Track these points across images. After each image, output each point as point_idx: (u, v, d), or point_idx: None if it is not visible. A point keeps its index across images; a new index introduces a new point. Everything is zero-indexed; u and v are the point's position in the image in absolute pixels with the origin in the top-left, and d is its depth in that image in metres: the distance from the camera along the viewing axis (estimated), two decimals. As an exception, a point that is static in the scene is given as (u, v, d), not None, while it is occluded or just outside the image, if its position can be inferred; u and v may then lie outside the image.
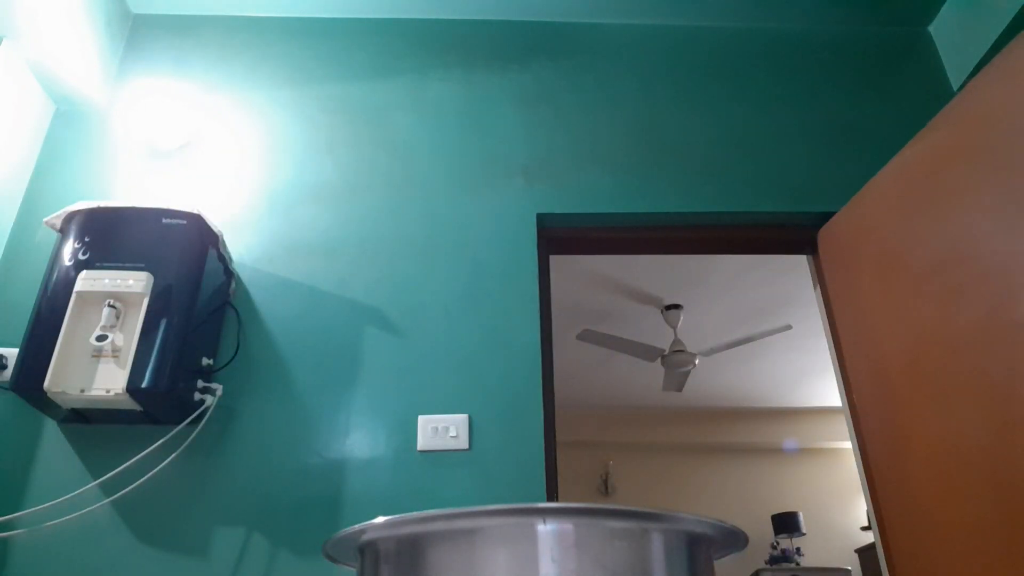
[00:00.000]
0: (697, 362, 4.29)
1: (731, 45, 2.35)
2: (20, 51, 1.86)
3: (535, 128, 2.14)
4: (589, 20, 2.36)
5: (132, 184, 1.98)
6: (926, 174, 1.65)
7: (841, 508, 5.67)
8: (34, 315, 1.54)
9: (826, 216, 2.03)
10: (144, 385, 1.47)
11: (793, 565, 5.38)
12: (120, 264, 1.58)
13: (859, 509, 5.58)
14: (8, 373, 1.63)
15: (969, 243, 1.50)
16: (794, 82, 2.29)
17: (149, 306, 1.55)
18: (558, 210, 2.01)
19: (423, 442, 1.68)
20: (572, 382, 5.05)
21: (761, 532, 5.47)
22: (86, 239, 1.61)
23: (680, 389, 4.71)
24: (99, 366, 1.50)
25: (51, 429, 1.66)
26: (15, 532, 1.52)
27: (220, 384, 1.67)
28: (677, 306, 4.19)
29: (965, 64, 2.21)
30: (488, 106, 2.17)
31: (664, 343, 4.30)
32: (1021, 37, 1.43)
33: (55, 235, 1.68)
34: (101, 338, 1.50)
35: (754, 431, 5.82)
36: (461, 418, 1.71)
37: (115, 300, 1.54)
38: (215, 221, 1.76)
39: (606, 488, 5.71)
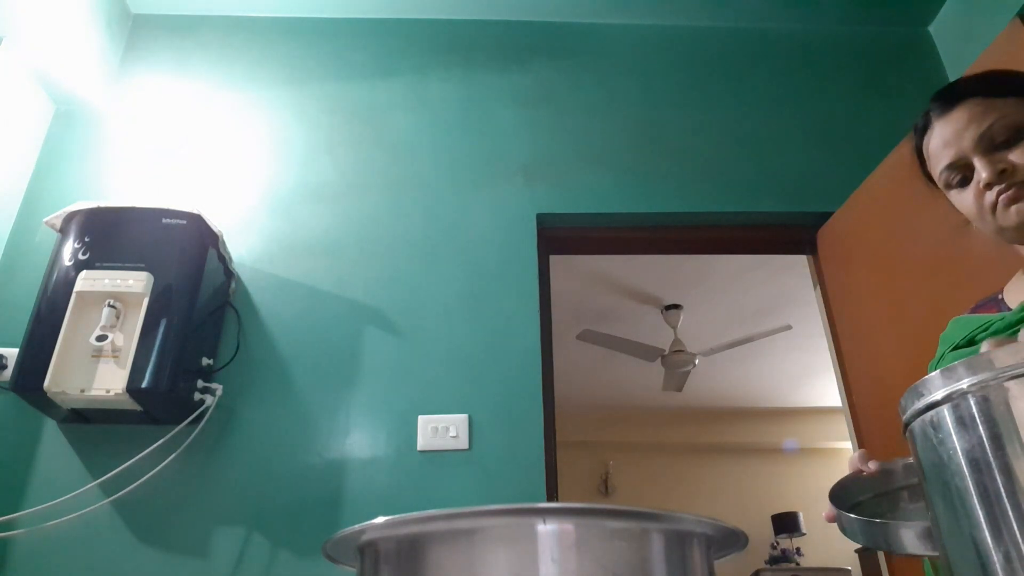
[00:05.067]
0: (697, 362, 4.29)
1: (731, 45, 2.35)
2: (20, 51, 1.86)
3: (535, 128, 2.14)
4: (589, 20, 2.36)
5: (132, 184, 1.98)
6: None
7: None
8: (34, 315, 1.54)
9: (826, 216, 2.03)
10: (144, 385, 1.47)
11: (793, 565, 5.38)
12: (120, 264, 1.58)
13: (859, 509, 5.57)
14: (8, 373, 1.63)
15: (960, 241, 1.50)
16: (794, 82, 2.29)
17: (149, 306, 1.55)
18: (558, 210, 2.01)
19: (423, 442, 1.68)
20: (572, 382, 5.05)
21: (761, 532, 5.47)
22: (86, 239, 1.61)
23: (680, 389, 4.71)
24: (99, 366, 1.50)
25: (51, 429, 1.66)
26: (15, 532, 1.52)
27: (220, 384, 1.67)
28: (677, 306, 4.18)
29: (965, 64, 2.21)
30: (488, 106, 2.17)
31: (664, 343, 4.29)
32: (1004, 34, 1.43)
33: (55, 235, 1.68)
34: (101, 338, 1.50)
35: (754, 431, 5.81)
36: (461, 418, 1.71)
37: (115, 300, 1.54)
38: (215, 221, 1.76)
39: (606, 488, 5.71)
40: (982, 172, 0.83)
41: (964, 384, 0.45)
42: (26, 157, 1.94)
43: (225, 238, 1.80)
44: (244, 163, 2.04)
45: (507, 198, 2.01)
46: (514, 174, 2.05)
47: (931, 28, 2.40)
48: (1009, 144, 0.82)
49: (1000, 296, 0.93)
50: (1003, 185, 0.82)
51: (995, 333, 0.82)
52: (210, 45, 2.24)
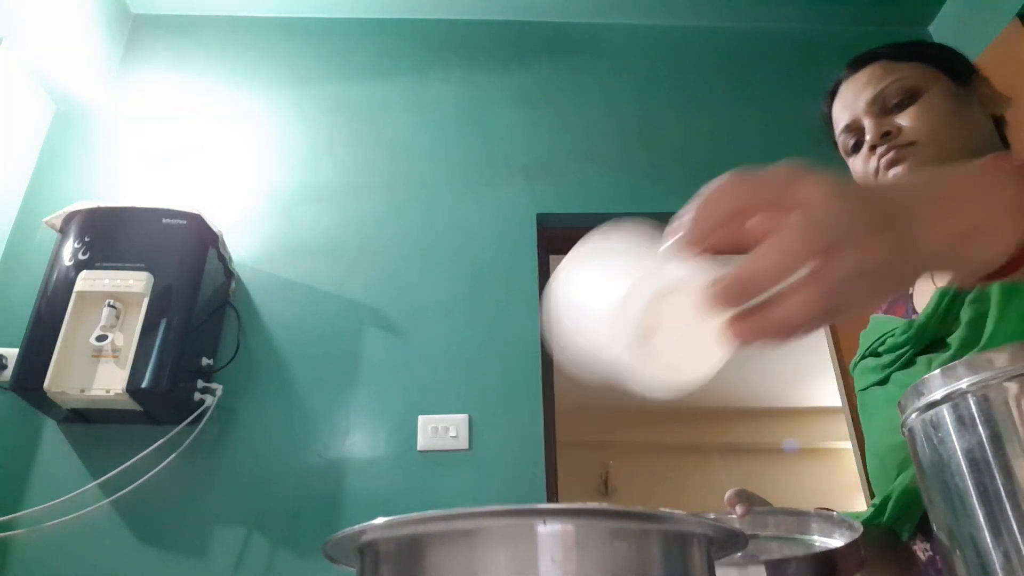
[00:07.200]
0: (697, 362, 4.28)
1: (731, 45, 2.35)
2: (20, 52, 1.86)
3: (535, 128, 2.14)
4: (589, 20, 2.36)
5: (132, 184, 1.97)
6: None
7: (841, 508, 5.64)
8: (34, 315, 1.55)
9: (826, 216, 2.03)
10: (144, 385, 1.47)
11: (793, 565, 5.38)
12: (120, 264, 1.58)
13: (859, 509, 5.58)
14: (8, 373, 1.63)
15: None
16: (794, 82, 2.28)
17: (149, 306, 1.55)
18: (558, 210, 2.01)
19: (423, 442, 1.68)
20: (572, 382, 5.04)
21: (761, 532, 5.46)
22: (86, 239, 1.61)
23: (680, 389, 4.70)
24: (99, 366, 1.50)
25: (51, 429, 1.66)
26: (15, 532, 1.52)
27: (220, 384, 1.67)
28: (677, 306, 4.18)
29: (965, 64, 2.21)
30: (488, 106, 2.17)
31: (664, 343, 4.29)
32: (1004, 34, 1.43)
33: (55, 235, 1.68)
34: (101, 338, 1.50)
35: (754, 431, 5.82)
36: (461, 418, 1.71)
37: (115, 300, 1.54)
38: (215, 221, 1.76)
39: (606, 488, 5.71)
40: (867, 133, 0.79)
41: (964, 384, 0.45)
42: (26, 157, 1.94)
43: (225, 238, 1.80)
44: (244, 163, 2.04)
45: (507, 198, 2.01)
46: (514, 174, 2.05)
47: (931, 28, 2.40)
48: (901, 106, 0.79)
49: (911, 291, 0.87)
50: (884, 147, 0.78)
51: (889, 351, 0.78)
52: (210, 45, 2.24)
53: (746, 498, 0.78)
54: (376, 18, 2.32)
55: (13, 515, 1.52)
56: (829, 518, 0.75)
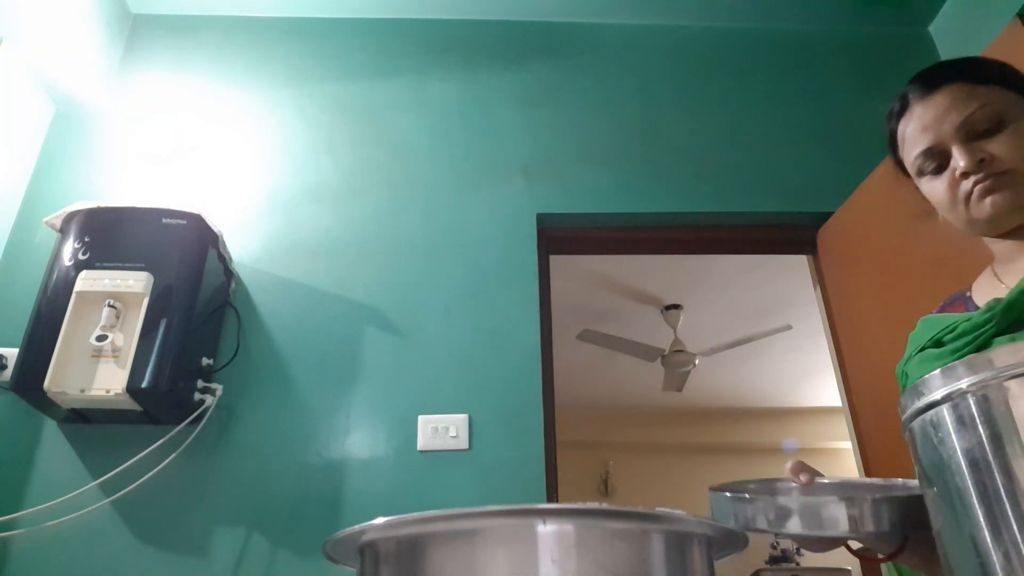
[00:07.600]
0: (697, 362, 4.29)
1: (731, 45, 2.35)
2: (20, 52, 1.86)
3: (535, 128, 2.14)
4: (589, 20, 2.36)
5: (132, 184, 1.97)
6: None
7: (841, 508, 5.66)
8: (34, 315, 1.54)
9: (826, 216, 2.03)
10: (144, 385, 1.47)
11: (793, 565, 5.38)
12: (120, 264, 1.58)
13: (859, 509, 5.56)
14: (8, 373, 1.63)
15: (963, 240, 1.49)
16: (794, 82, 2.29)
17: (149, 306, 1.55)
18: (558, 210, 2.01)
19: (423, 442, 1.68)
20: (572, 382, 5.04)
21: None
22: (86, 239, 1.61)
23: (680, 389, 4.71)
24: (99, 366, 1.50)
25: (51, 429, 1.66)
26: (15, 532, 1.52)
27: (220, 384, 1.67)
28: (677, 306, 4.18)
29: (965, 64, 2.21)
30: (488, 106, 2.17)
31: (664, 343, 4.29)
32: (1004, 34, 1.43)
33: (55, 235, 1.68)
34: (101, 338, 1.50)
35: (754, 431, 5.81)
36: (461, 418, 1.71)
37: (115, 300, 1.54)
38: (215, 221, 1.76)
39: (606, 488, 5.71)
40: (960, 160, 0.79)
41: (964, 384, 0.45)
42: (26, 157, 1.94)
43: (225, 238, 1.80)
44: (244, 163, 2.04)
45: (507, 198, 2.01)
46: (514, 174, 2.05)
47: (931, 28, 2.40)
48: (989, 133, 0.79)
49: (968, 294, 0.89)
50: (980, 175, 0.79)
51: (961, 335, 0.79)
52: (210, 45, 2.24)
53: (807, 469, 0.78)
54: (376, 18, 2.32)
55: (13, 515, 1.52)
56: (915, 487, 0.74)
